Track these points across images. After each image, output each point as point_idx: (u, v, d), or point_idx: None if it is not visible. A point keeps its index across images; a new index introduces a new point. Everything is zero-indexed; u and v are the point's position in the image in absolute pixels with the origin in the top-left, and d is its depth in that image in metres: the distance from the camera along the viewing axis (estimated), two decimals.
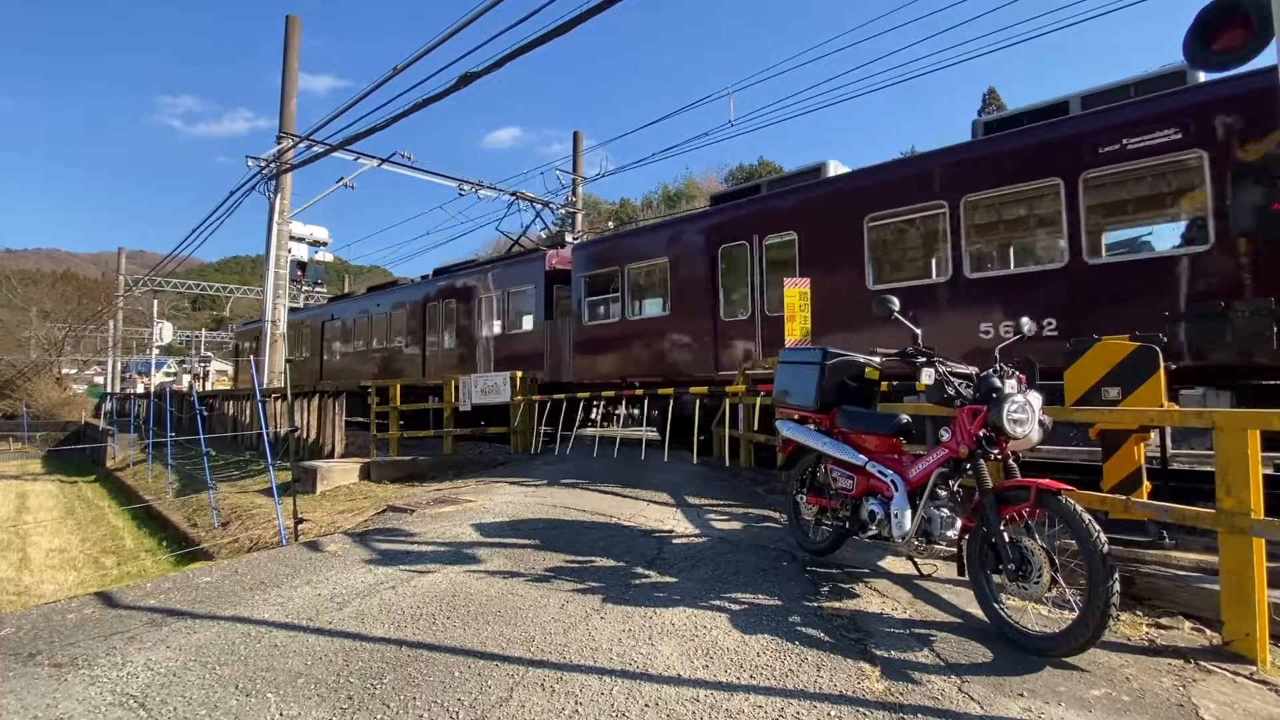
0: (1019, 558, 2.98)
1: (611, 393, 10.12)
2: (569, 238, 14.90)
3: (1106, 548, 2.73)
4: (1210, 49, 3.98)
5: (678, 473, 7.92)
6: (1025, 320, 3.76)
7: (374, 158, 19.85)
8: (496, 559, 4.40)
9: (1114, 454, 4.12)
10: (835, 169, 9.60)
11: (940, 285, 7.86)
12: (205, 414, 15.51)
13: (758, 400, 7.69)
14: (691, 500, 6.35)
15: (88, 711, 2.44)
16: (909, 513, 3.49)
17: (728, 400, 8.52)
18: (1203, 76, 6.42)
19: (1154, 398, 3.97)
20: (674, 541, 4.87)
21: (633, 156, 34.95)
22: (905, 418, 3.89)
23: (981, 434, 3.19)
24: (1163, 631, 3.24)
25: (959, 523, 3.37)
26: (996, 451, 3.21)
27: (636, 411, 15.31)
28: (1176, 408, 4.39)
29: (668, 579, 3.96)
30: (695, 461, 8.70)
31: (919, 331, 3.67)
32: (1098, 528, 2.77)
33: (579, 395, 10.28)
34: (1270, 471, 5.67)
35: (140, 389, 35.40)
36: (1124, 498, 3.64)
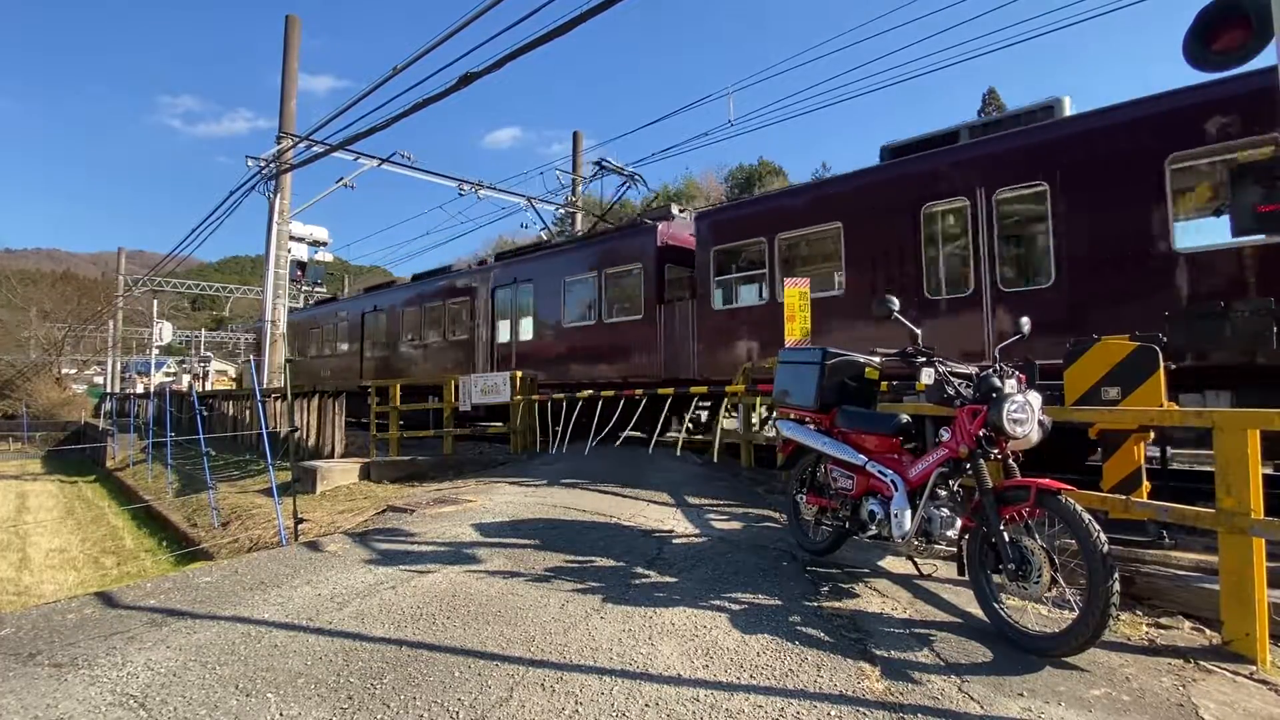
0: (1019, 557, 2.98)
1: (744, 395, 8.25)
2: (675, 209, 12.31)
3: (1106, 547, 2.73)
4: (1210, 49, 3.98)
5: (677, 472, 7.92)
6: (1024, 320, 3.76)
7: (374, 158, 19.86)
8: (496, 559, 4.40)
9: (1114, 454, 4.12)
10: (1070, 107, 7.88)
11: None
12: (205, 414, 15.50)
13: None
14: (691, 500, 6.35)
15: (88, 711, 2.44)
16: (909, 512, 3.49)
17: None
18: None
19: (1154, 397, 3.97)
20: (674, 541, 4.87)
21: (633, 156, 34.89)
22: (905, 418, 3.89)
23: (981, 434, 3.19)
24: (1163, 631, 3.24)
25: (959, 522, 3.37)
26: (996, 451, 3.21)
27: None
28: (1176, 407, 4.39)
29: (668, 579, 3.96)
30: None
31: (919, 331, 3.67)
32: (1098, 527, 2.77)
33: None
34: (1270, 471, 5.67)
35: (140, 389, 35.41)
36: (1124, 498, 3.64)
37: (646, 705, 2.45)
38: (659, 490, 6.81)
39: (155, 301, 38.13)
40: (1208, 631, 3.19)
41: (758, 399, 8.37)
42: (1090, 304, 6.95)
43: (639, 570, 4.14)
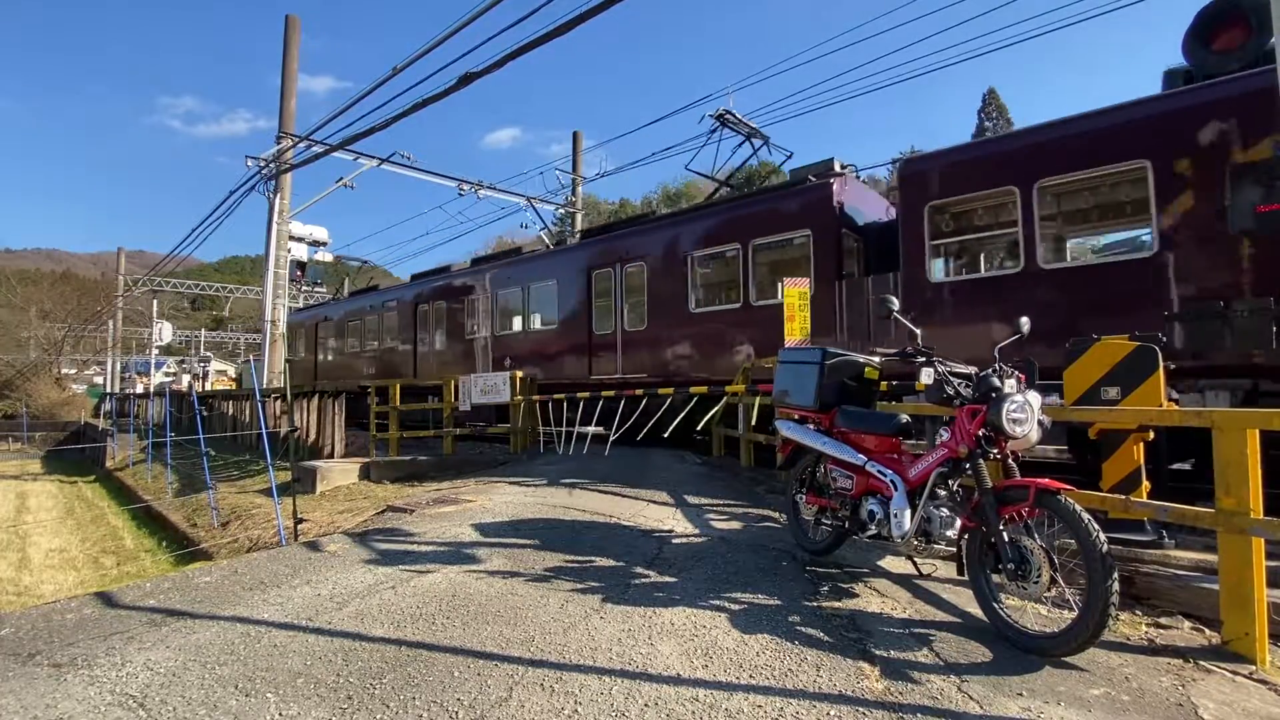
0: (1018, 557, 2.98)
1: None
2: (838, 165, 9.75)
3: (1106, 547, 2.73)
4: (1210, 49, 3.99)
5: (677, 472, 7.92)
6: (1024, 320, 3.76)
7: (374, 158, 19.88)
8: (496, 559, 4.40)
9: (1113, 454, 4.12)
10: None
11: None
12: (205, 414, 15.48)
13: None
14: (691, 500, 6.35)
15: (87, 711, 2.44)
16: (908, 512, 3.49)
17: None
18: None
19: (1153, 397, 3.97)
20: (674, 541, 4.87)
21: (632, 156, 34.92)
22: (905, 417, 3.89)
23: (981, 434, 3.19)
24: (1162, 631, 3.24)
25: (958, 522, 3.37)
26: (996, 451, 3.21)
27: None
28: (1176, 407, 4.40)
29: (667, 579, 3.96)
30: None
31: (919, 331, 3.67)
32: (1097, 527, 2.77)
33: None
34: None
35: (140, 389, 35.40)
36: (1123, 497, 3.64)
37: (646, 705, 2.45)
38: (658, 490, 6.82)
39: (155, 301, 38.15)
40: (1207, 631, 3.19)
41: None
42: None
43: (639, 570, 4.14)
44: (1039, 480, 2.98)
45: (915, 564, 4.19)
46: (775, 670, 2.74)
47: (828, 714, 2.40)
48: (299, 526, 6.94)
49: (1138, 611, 3.48)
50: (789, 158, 13.12)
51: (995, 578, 3.12)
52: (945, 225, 8.30)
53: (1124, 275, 6.59)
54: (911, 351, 3.60)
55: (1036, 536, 2.99)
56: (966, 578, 3.27)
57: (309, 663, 2.83)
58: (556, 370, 12.47)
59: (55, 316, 51.33)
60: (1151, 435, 4.13)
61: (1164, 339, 4.38)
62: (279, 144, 18.40)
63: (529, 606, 3.46)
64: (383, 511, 6.58)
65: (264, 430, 9.47)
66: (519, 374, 10.82)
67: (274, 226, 18.39)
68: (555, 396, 10.48)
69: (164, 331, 36.35)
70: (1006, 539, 3.03)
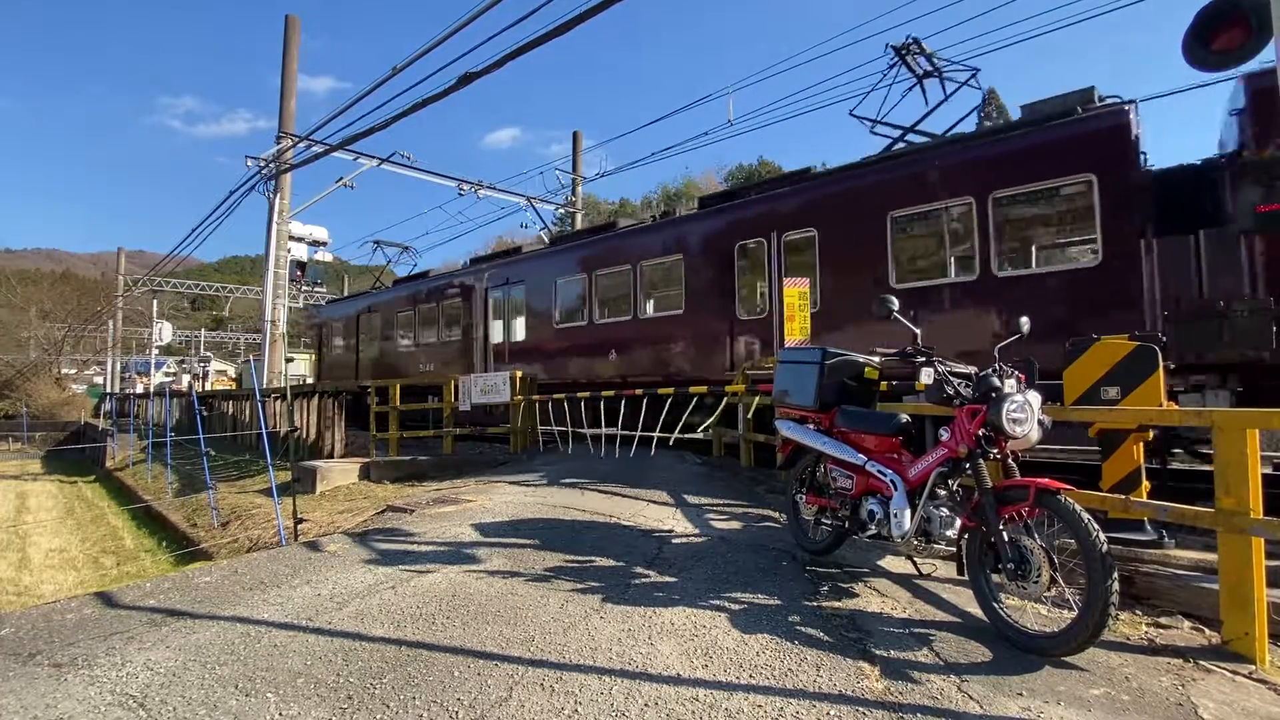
0: (1018, 557, 2.98)
1: None
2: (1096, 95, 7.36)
3: (1106, 547, 2.73)
4: (1210, 49, 3.99)
5: (677, 472, 7.92)
6: (1023, 320, 3.76)
7: (374, 157, 19.88)
8: (496, 559, 4.40)
9: (1113, 453, 4.12)
10: None
11: None
12: (204, 414, 15.48)
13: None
14: (691, 500, 6.35)
15: (87, 711, 2.44)
16: (908, 512, 3.49)
17: None
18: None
19: (1153, 397, 3.97)
20: (674, 541, 4.87)
21: (632, 156, 34.96)
22: (905, 417, 3.89)
23: (981, 433, 3.19)
24: (1162, 631, 3.24)
25: (958, 522, 3.37)
26: (996, 451, 3.21)
27: None
28: (1176, 407, 4.40)
29: (667, 579, 3.96)
30: None
31: (919, 331, 3.67)
32: (1097, 527, 2.77)
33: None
34: (1270, 471, 5.67)
35: (140, 389, 35.40)
36: (1123, 497, 3.64)
37: (646, 705, 2.45)
38: (658, 490, 6.81)
39: (155, 301, 38.15)
40: (1207, 631, 3.19)
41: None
42: None
43: (639, 570, 4.14)
44: (1039, 480, 2.98)
45: (915, 564, 4.19)
46: (775, 670, 2.74)
47: (828, 714, 2.40)
48: (299, 526, 6.94)
49: (1138, 611, 3.48)
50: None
51: (995, 577, 3.12)
52: None
53: None
54: (911, 351, 3.60)
55: (1036, 536, 2.99)
56: (966, 577, 3.27)
57: (309, 663, 2.83)
58: (700, 369, 10.32)
59: (55, 316, 51.33)
60: (1151, 435, 4.13)
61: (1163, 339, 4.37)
62: (279, 144, 18.40)
63: (529, 606, 3.46)
64: (383, 511, 6.58)
65: (264, 430, 9.48)
66: (518, 374, 10.82)
67: (274, 226, 18.39)
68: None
69: (164, 331, 36.35)
70: (1006, 539, 3.03)
